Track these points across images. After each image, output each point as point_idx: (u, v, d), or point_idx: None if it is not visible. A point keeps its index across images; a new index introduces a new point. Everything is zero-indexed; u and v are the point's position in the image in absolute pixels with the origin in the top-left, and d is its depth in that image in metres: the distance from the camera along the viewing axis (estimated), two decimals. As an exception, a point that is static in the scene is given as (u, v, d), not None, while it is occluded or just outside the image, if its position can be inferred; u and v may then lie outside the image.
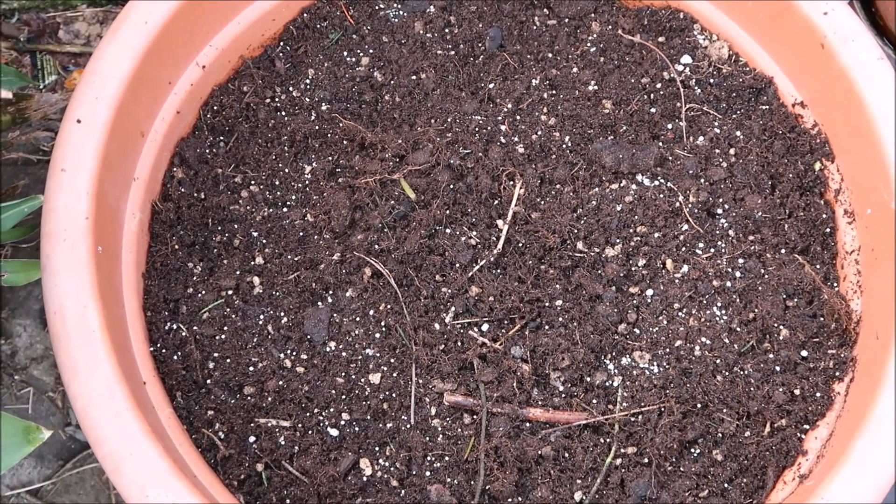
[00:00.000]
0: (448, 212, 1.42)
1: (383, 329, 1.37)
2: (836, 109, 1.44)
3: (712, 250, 1.43)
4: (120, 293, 1.32)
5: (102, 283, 1.24)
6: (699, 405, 1.33)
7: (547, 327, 1.38)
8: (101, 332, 1.19)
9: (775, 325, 1.37)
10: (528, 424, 1.33)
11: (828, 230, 1.44)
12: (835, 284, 1.41)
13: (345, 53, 1.56)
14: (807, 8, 1.43)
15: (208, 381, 1.34)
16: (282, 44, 1.57)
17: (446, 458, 1.31)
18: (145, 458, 1.14)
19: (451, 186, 1.43)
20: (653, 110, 1.52)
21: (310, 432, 1.32)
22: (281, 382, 1.34)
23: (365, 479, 1.30)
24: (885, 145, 1.34)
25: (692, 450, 1.32)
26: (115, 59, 1.33)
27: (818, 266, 1.42)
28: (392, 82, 1.54)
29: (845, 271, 1.41)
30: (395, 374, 1.35)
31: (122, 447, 1.14)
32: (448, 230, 1.42)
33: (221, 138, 1.50)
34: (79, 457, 1.55)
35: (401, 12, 1.59)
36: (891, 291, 1.29)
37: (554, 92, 1.55)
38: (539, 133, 1.50)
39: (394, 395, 1.34)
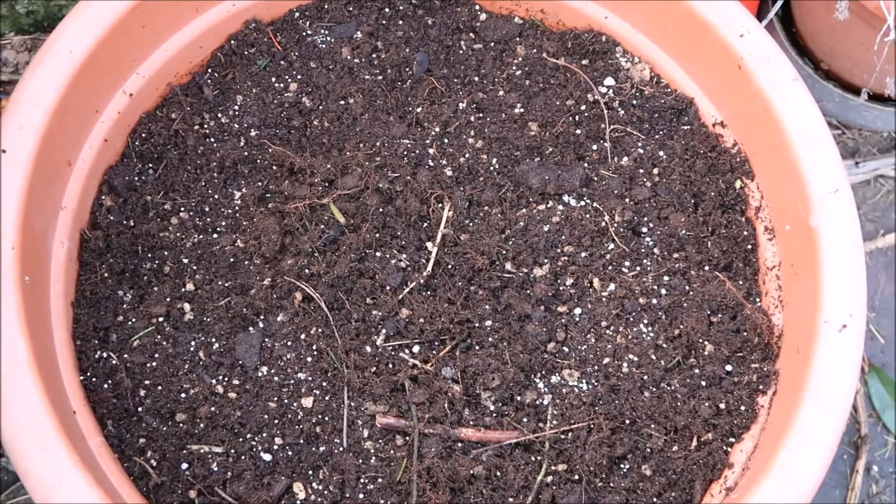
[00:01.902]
0: (378, 235, 1.43)
1: (315, 353, 1.38)
2: (754, 129, 1.48)
3: (638, 268, 1.46)
4: (48, 322, 1.31)
5: (30, 312, 1.23)
6: (628, 421, 1.35)
7: (477, 348, 1.40)
8: (29, 362, 1.18)
9: (700, 340, 1.40)
10: (459, 444, 1.34)
11: (749, 247, 1.47)
12: (757, 300, 1.44)
13: (273, 80, 1.57)
14: (723, 30, 1.47)
15: (139, 409, 1.34)
16: (210, 70, 1.57)
17: (379, 480, 1.31)
18: (75, 487, 1.13)
19: (381, 210, 1.44)
20: (578, 132, 1.55)
21: (242, 458, 1.32)
22: (213, 408, 1.34)
23: (298, 503, 1.30)
24: (800, 163, 1.38)
25: (621, 465, 1.34)
26: (39, 89, 1.33)
27: (741, 282, 1.45)
28: (320, 108, 1.55)
29: (767, 286, 1.44)
30: (327, 398, 1.36)
31: (51, 477, 1.13)
32: (378, 253, 1.43)
33: (150, 165, 1.50)
34: (11, 488, 1.54)
35: (328, 38, 1.61)
36: (810, 305, 1.32)
37: (481, 115, 1.57)
38: (467, 156, 1.52)
39: (326, 418, 1.35)
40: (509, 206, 1.48)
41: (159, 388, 1.35)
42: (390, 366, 1.38)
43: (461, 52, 1.62)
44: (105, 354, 1.36)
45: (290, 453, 1.33)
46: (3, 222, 1.24)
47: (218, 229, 1.47)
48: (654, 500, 1.32)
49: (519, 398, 1.37)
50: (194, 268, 1.43)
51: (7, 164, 1.28)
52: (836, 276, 1.31)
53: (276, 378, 1.37)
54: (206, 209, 1.48)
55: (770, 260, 1.44)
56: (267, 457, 1.32)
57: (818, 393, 1.25)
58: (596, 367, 1.39)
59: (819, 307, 1.30)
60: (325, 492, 1.31)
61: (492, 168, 1.52)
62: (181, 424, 1.34)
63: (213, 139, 1.52)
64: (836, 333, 1.28)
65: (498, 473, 1.32)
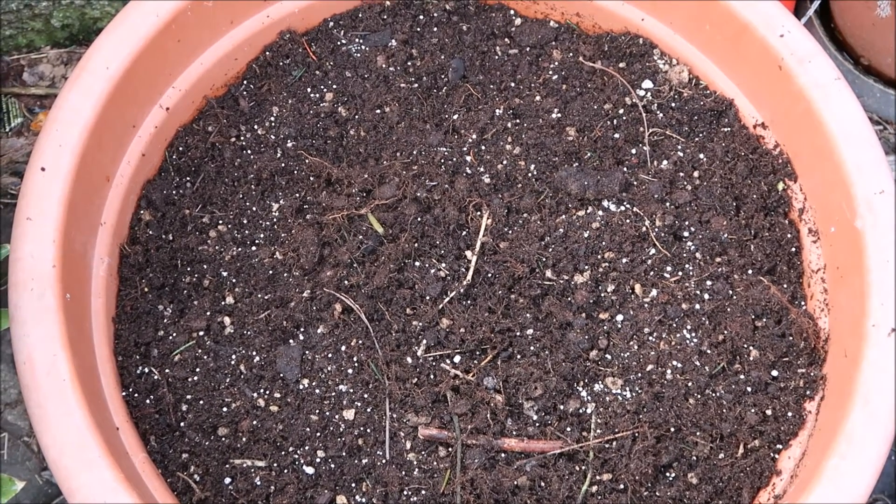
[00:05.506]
0: (416, 245, 1.42)
1: (356, 365, 1.38)
2: (796, 129, 1.46)
3: (680, 273, 1.44)
4: (90, 339, 1.32)
5: (72, 330, 1.23)
6: (672, 429, 1.34)
7: (519, 357, 1.39)
8: (72, 381, 1.19)
9: (745, 345, 1.38)
10: (503, 455, 1.33)
11: (793, 249, 1.45)
12: (802, 303, 1.42)
13: (308, 90, 1.57)
14: (763, 30, 1.45)
15: (182, 424, 1.34)
16: (245, 82, 1.57)
17: (423, 492, 1.31)
18: (120, 505, 1.14)
19: (419, 219, 1.43)
20: (616, 136, 1.53)
21: (285, 471, 1.32)
22: (255, 422, 1.34)
23: (342, 516, 1.30)
24: (845, 164, 1.36)
25: (667, 474, 1.33)
26: (77, 106, 1.33)
27: (785, 286, 1.43)
28: (356, 117, 1.55)
29: (812, 290, 1.42)
30: (368, 410, 1.35)
31: (96, 496, 1.14)
32: (417, 263, 1.42)
33: (188, 179, 1.50)
34: (56, 502, 1.54)
35: (363, 47, 1.60)
36: (857, 309, 1.30)
37: (518, 121, 1.56)
38: (504, 162, 1.51)
39: (368, 430, 1.34)
40: (548, 213, 1.47)
41: (201, 402, 1.35)
42: (431, 376, 1.37)
43: (497, 57, 1.61)
44: (147, 370, 1.36)
45: (332, 466, 1.32)
46: (44, 241, 1.25)
47: (256, 242, 1.46)
48: (701, 508, 1.30)
49: (562, 407, 1.36)
50: (234, 281, 1.43)
51: (46, 183, 1.28)
52: (884, 279, 1.29)
53: (317, 391, 1.36)
54: (245, 222, 1.48)
55: (815, 263, 1.42)
56: (310, 470, 1.32)
57: (867, 398, 1.23)
58: (639, 375, 1.38)
59: (867, 311, 1.28)
60: (369, 504, 1.31)
61: (530, 174, 1.50)
62: (223, 439, 1.34)
63: (249, 151, 1.52)
64: (884, 337, 1.26)
65: (542, 484, 1.31)
